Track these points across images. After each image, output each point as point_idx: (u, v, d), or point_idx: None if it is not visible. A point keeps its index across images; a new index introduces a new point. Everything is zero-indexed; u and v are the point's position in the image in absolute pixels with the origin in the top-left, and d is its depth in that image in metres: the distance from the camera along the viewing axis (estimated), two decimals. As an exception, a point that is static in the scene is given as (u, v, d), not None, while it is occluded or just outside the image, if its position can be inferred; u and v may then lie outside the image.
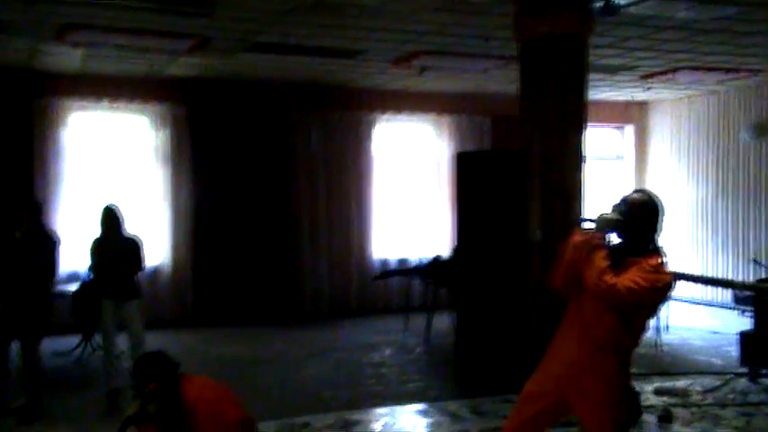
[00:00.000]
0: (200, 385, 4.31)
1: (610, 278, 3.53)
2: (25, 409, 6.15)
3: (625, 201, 3.76)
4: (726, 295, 11.52)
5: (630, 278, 3.53)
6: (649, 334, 9.19)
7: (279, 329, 10.17)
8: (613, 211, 3.74)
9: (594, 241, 3.66)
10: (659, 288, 3.60)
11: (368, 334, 9.78)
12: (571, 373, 3.65)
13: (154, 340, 7.82)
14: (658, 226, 3.74)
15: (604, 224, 3.70)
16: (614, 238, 3.75)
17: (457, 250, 8.30)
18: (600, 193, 12.50)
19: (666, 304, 4.14)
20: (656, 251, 3.69)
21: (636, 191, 3.94)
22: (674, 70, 10.04)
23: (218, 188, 10.60)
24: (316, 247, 11.15)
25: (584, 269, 3.61)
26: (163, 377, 4.20)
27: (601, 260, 3.58)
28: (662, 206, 3.78)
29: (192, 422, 4.17)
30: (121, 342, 6.94)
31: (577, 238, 3.74)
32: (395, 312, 10.98)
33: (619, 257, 3.63)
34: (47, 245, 6.37)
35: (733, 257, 11.74)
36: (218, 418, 4.17)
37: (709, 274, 11.61)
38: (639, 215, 3.69)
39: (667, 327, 9.15)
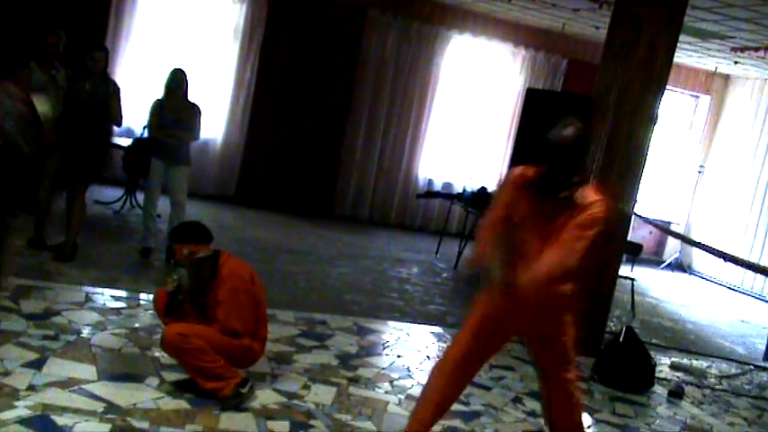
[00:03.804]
0: (236, 263, 4.41)
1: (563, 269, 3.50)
2: (60, 248, 6.32)
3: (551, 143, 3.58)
4: (764, 287, 11.37)
5: (573, 247, 3.47)
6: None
7: (316, 224, 10.28)
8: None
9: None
10: (598, 228, 3.52)
11: (400, 249, 9.83)
12: (525, 310, 3.68)
13: (194, 210, 7.97)
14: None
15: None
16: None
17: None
18: (660, 158, 12.30)
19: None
20: (587, 182, 3.61)
21: (559, 128, 3.61)
22: (768, 48, 9.66)
23: (283, 73, 10.53)
24: (367, 151, 11.12)
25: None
26: (197, 243, 4.31)
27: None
28: (581, 135, 3.60)
29: (216, 292, 4.27)
30: (162, 205, 7.06)
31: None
32: (431, 233, 11.03)
33: (550, 191, 3.56)
34: (116, 91, 6.42)
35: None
36: (238, 297, 4.27)
37: (753, 261, 11.40)
38: (568, 154, 3.54)
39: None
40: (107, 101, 6.29)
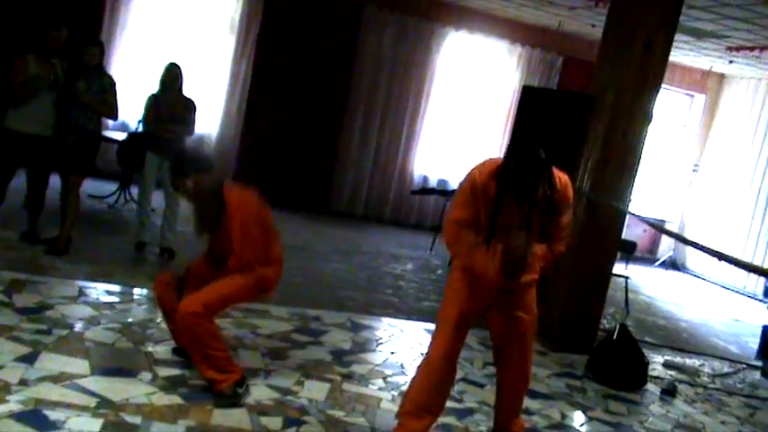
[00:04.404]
0: (242, 193, 4.38)
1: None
2: (54, 242, 6.30)
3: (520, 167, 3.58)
4: (758, 286, 11.39)
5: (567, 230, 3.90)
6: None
7: (311, 220, 10.27)
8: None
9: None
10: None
11: (395, 245, 9.83)
12: (501, 296, 3.88)
13: (188, 204, 7.92)
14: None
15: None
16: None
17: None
18: (655, 156, 12.33)
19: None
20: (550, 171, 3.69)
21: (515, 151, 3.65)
22: (764, 48, 9.65)
23: (279, 68, 10.51)
24: (363, 147, 11.12)
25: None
26: (200, 172, 4.30)
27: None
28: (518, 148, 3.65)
29: (227, 224, 4.25)
30: (156, 199, 7.04)
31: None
32: (426, 230, 11.02)
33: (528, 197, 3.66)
34: (112, 86, 6.41)
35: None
36: (250, 228, 4.27)
37: (747, 260, 11.41)
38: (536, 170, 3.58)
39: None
40: (102, 95, 6.28)
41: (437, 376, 3.89)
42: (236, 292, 4.29)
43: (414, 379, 3.99)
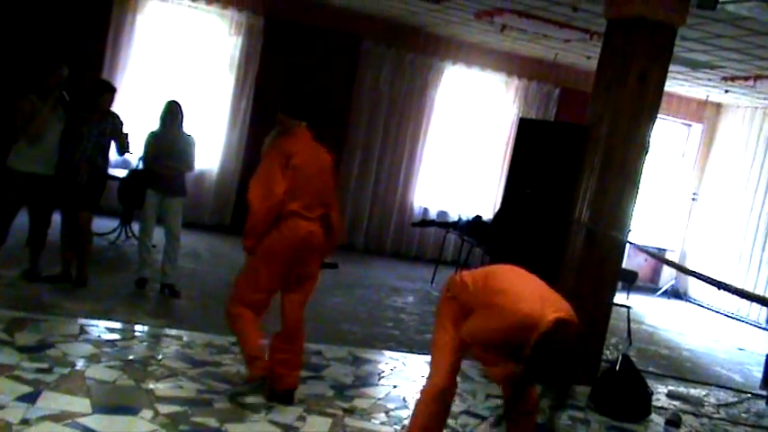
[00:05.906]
0: (289, 139, 5.12)
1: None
2: (70, 277, 6.43)
3: None
4: (761, 314, 11.36)
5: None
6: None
7: (310, 255, 10.24)
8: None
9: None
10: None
11: (396, 278, 9.82)
12: None
13: (189, 240, 7.96)
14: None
15: None
16: None
17: (499, 215, 8.25)
18: (654, 186, 12.36)
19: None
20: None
21: None
22: (758, 77, 9.73)
23: (278, 104, 10.57)
24: (362, 180, 11.16)
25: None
26: (289, 117, 5.13)
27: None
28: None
29: None
30: (157, 235, 7.07)
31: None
32: (426, 262, 11.02)
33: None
34: (121, 124, 6.63)
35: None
36: (262, 166, 5.07)
37: (749, 289, 11.39)
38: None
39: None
40: (115, 135, 6.55)
41: (443, 403, 3.88)
42: (249, 269, 4.78)
43: (418, 409, 3.94)
